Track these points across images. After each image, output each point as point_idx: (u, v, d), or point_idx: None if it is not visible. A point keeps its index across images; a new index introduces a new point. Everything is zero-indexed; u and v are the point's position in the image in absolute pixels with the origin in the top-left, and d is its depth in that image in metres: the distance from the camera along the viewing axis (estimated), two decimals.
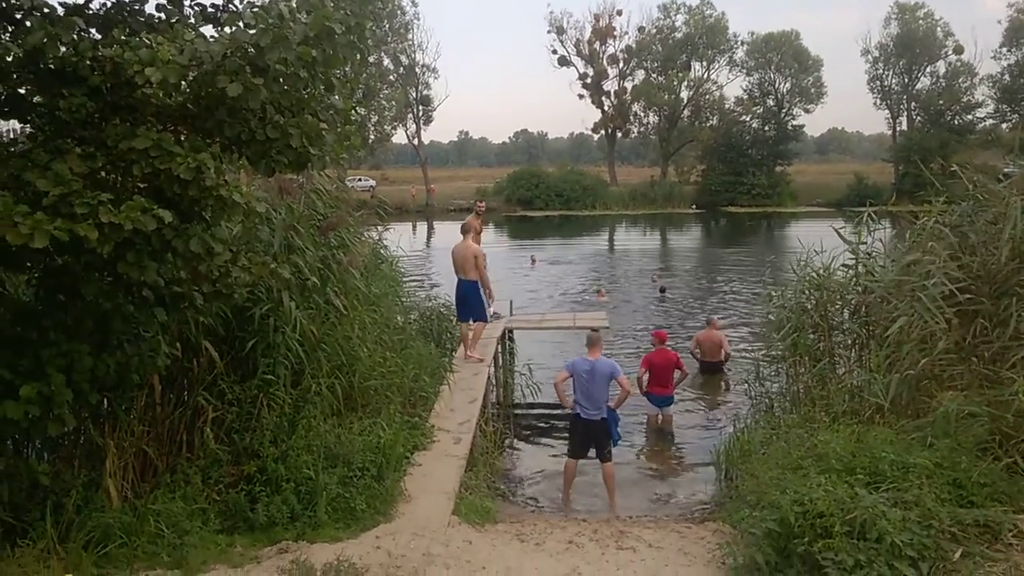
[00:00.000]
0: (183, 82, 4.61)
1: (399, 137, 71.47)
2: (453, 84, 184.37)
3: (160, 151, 4.59)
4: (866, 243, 9.00)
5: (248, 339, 7.37)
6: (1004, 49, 61.75)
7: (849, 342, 9.12)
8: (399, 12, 62.80)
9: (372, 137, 61.28)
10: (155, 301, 5.66)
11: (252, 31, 4.63)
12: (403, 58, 65.27)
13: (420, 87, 66.93)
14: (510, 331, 14.15)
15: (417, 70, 66.09)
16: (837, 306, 9.37)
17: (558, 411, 10.65)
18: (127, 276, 4.94)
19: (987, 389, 6.65)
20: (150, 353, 5.97)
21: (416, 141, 70.24)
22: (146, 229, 4.44)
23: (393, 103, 64.62)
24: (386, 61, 63.21)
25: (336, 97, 5.34)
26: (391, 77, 64.33)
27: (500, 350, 13.03)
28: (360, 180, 58.14)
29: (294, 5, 4.98)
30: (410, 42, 65.17)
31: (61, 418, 5.17)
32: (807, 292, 9.43)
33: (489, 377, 11.25)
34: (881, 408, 7.09)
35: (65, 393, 5.12)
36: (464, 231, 11.79)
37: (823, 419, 7.15)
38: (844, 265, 9.32)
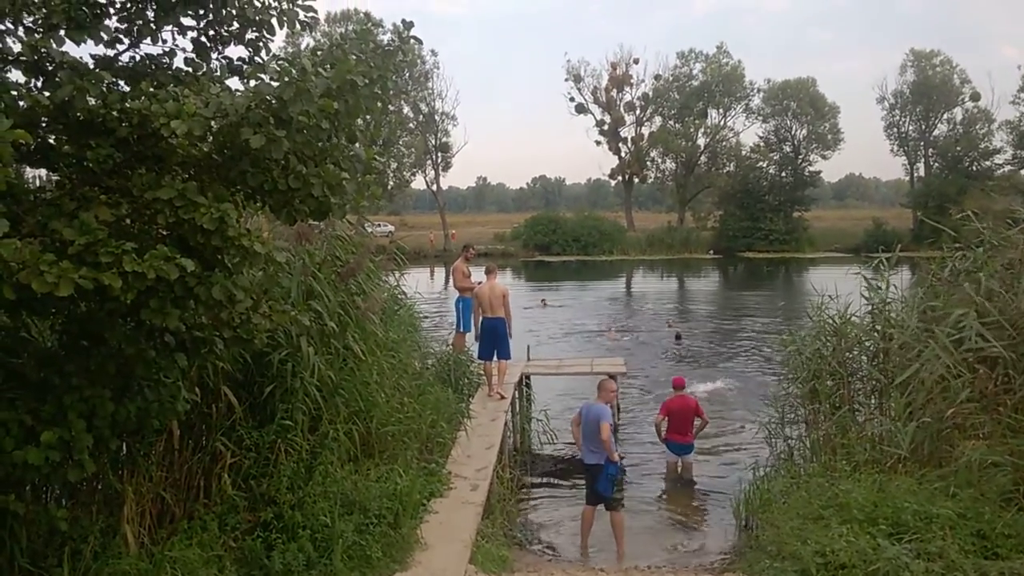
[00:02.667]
0: (208, 133, 4.71)
1: (418, 183, 72.23)
2: (472, 131, 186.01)
3: (184, 201, 4.67)
4: (882, 289, 8.94)
5: (266, 384, 7.40)
6: (1022, 95, 61.85)
7: (868, 389, 9.04)
8: (419, 61, 63.79)
9: (391, 183, 61.90)
10: (176, 346, 5.71)
11: (276, 84, 4.74)
12: (423, 106, 66.17)
13: (439, 134, 67.72)
14: (527, 377, 14.13)
15: (436, 118, 66.92)
16: (855, 352, 9.31)
17: (576, 457, 10.60)
18: (150, 322, 5.00)
19: (1010, 439, 6.56)
20: (170, 399, 5.99)
21: (435, 187, 70.86)
22: (169, 277, 4.51)
23: (412, 150, 65.38)
24: (406, 109, 64.10)
25: (358, 147, 5.43)
26: (411, 124, 65.17)
27: (517, 396, 13.01)
28: (379, 226, 58.53)
29: (318, 58, 5.11)
30: (430, 90, 66.11)
31: (81, 464, 5.19)
32: (824, 338, 9.37)
33: (506, 423, 11.24)
34: (903, 457, 7.00)
35: (86, 439, 5.15)
36: (488, 272, 12.83)
37: (844, 468, 7.06)
38: (864, 310, 9.27)
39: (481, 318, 12.51)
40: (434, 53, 64.95)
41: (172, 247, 4.63)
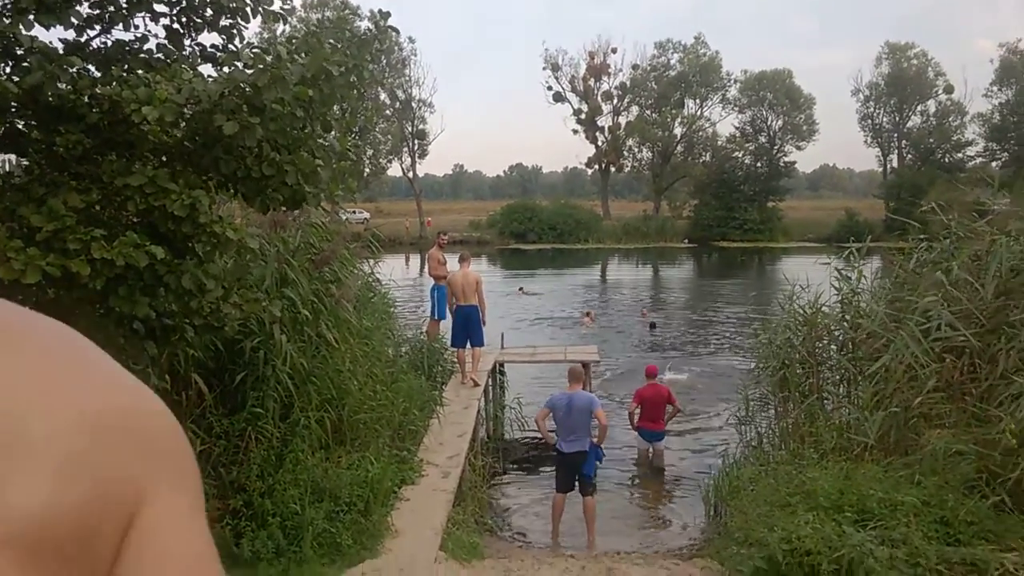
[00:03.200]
0: (180, 120, 4.68)
1: (394, 170, 71.89)
2: (449, 118, 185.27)
3: (155, 188, 4.64)
4: (852, 279, 9.06)
5: (238, 372, 7.38)
6: (995, 88, 62.65)
7: (837, 378, 9.16)
8: (396, 48, 63.34)
9: (367, 170, 61.54)
10: (145, 334, 5.67)
11: (250, 71, 4.71)
12: (399, 93, 65.77)
13: (416, 122, 67.38)
14: (501, 364, 14.16)
15: (413, 105, 66.57)
16: (825, 342, 9.43)
17: (547, 445, 10.66)
18: (119, 309, 4.97)
19: (975, 427, 6.69)
20: None
21: (411, 174, 70.56)
22: (139, 265, 4.48)
23: (389, 137, 65.02)
24: (382, 96, 63.67)
25: (332, 135, 5.41)
26: (387, 112, 64.76)
27: (491, 383, 13.05)
28: (355, 212, 58.22)
29: (294, 46, 5.08)
30: (407, 77, 65.68)
31: None
32: (795, 328, 9.48)
33: (479, 411, 11.27)
34: (869, 445, 7.12)
35: None
36: (461, 260, 12.84)
37: (811, 456, 7.17)
38: (835, 300, 9.39)
39: (455, 306, 12.52)
40: (411, 40, 64.51)
41: (142, 235, 4.61)
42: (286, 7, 5.37)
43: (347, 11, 62.45)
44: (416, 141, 68.39)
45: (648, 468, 11.19)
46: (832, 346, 9.35)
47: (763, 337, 10.12)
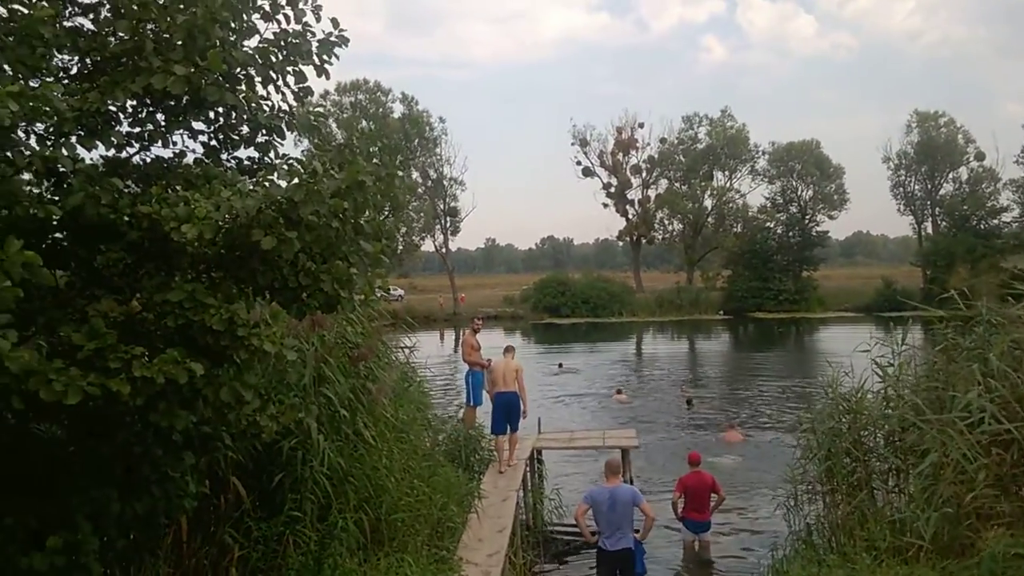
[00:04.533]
0: (218, 235, 4.73)
1: (427, 246, 72.69)
2: (480, 191, 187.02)
3: (194, 302, 4.67)
4: (893, 367, 8.89)
5: (276, 473, 7.32)
6: None
7: (886, 468, 8.89)
8: (428, 128, 64.73)
9: (401, 248, 62.31)
10: (183, 444, 5.66)
11: (284, 183, 4.77)
12: (431, 172, 66.93)
13: (447, 199, 68.34)
14: (539, 451, 13.94)
15: (445, 183, 67.63)
16: (871, 429, 9.19)
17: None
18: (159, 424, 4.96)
19: None
20: (178, 494, 5.93)
21: (444, 250, 71.23)
22: (179, 380, 4.48)
23: (422, 215, 65.96)
24: (415, 174, 64.82)
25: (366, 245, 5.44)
26: (420, 190, 65.83)
27: (528, 472, 12.83)
28: (390, 291, 58.78)
29: (328, 156, 5.16)
30: (438, 156, 66.92)
31: (87, 567, 5.11)
32: (839, 416, 9.25)
33: (518, 502, 11.06)
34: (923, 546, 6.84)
35: (92, 542, 5.07)
36: (506, 351, 13.12)
37: (864, 561, 6.88)
38: (878, 385, 9.19)
39: (495, 392, 12.51)
40: (442, 120, 65.92)
41: (180, 350, 4.61)
42: (319, 119, 5.47)
43: (379, 92, 64.27)
44: (448, 218, 69.25)
45: (695, 562, 10.83)
46: (879, 434, 9.09)
47: (807, 423, 9.87)
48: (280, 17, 5.21)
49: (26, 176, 4.63)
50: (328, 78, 5.42)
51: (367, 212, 5.54)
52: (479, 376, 13.48)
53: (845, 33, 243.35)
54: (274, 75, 5.21)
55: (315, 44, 5.23)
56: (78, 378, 4.25)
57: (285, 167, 4.91)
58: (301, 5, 5.18)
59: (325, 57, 5.27)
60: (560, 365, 31.76)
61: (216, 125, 5.18)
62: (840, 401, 9.30)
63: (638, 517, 8.75)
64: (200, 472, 6.58)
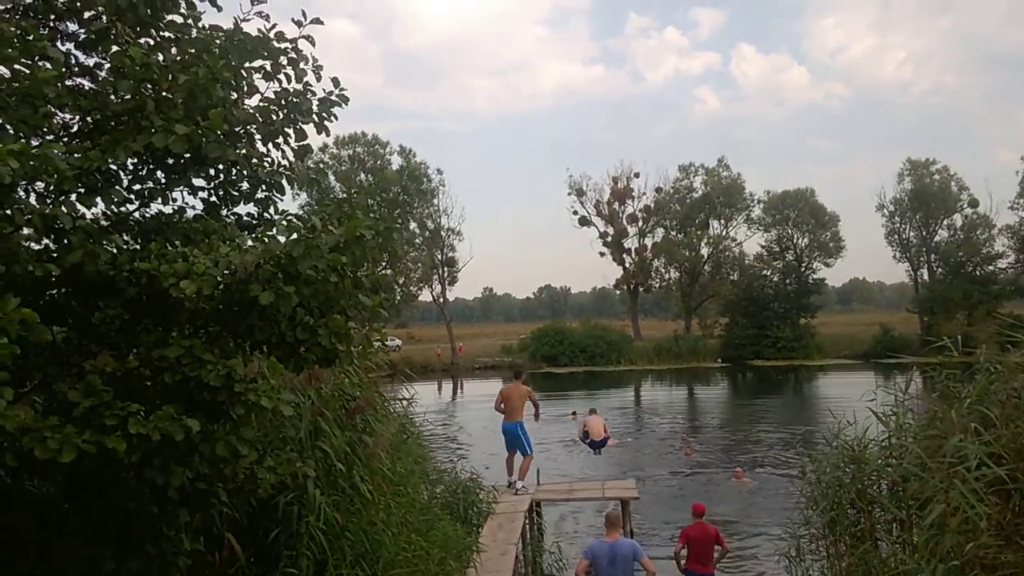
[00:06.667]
0: (216, 291, 4.74)
1: (425, 296, 72.65)
2: (477, 241, 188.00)
3: (191, 358, 4.66)
4: (895, 417, 8.85)
5: (271, 528, 7.23)
6: (1021, 200, 62.54)
7: (890, 518, 8.79)
8: (425, 179, 65.15)
9: (398, 298, 62.30)
10: (179, 500, 5.60)
11: (283, 238, 4.80)
12: (429, 223, 67.20)
13: (445, 250, 68.54)
14: (538, 504, 13.80)
15: (442, 234, 67.87)
16: (873, 478, 9.11)
17: None
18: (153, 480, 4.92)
19: None
20: (172, 552, 5.85)
21: (441, 300, 71.22)
22: (175, 437, 4.46)
23: (419, 265, 66.06)
24: (412, 225, 65.08)
25: (364, 298, 5.45)
26: (417, 240, 66.04)
27: (527, 526, 12.68)
28: (387, 340, 58.64)
29: (327, 210, 5.20)
30: (435, 207, 67.23)
31: None
32: (843, 466, 9.19)
33: (517, 555, 10.90)
34: None
35: None
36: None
37: None
38: (880, 433, 9.14)
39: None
40: (439, 171, 66.35)
41: (177, 406, 4.59)
42: (318, 174, 5.51)
43: (376, 145, 64.86)
44: (446, 268, 69.36)
45: None
46: (883, 482, 9.01)
47: (810, 474, 9.80)
48: (281, 76, 5.29)
49: (26, 231, 4.66)
50: (328, 135, 5.49)
51: (365, 265, 5.59)
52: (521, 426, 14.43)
53: (838, 83, 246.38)
54: (275, 133, 5.28)
55: (315, 103, 5.31)
56: (73, 435, 4.23)
57: (284, 223, 4.94)
58: (302, 65, 5.26)
59: (325, 115, 5.34)
60: (574, 414, 31.49)
61: (216, 181, 5.23)
62: (844, 450, 9.23)
63: (639, 571, 8.64)
64: (195, 529, 6.51)
